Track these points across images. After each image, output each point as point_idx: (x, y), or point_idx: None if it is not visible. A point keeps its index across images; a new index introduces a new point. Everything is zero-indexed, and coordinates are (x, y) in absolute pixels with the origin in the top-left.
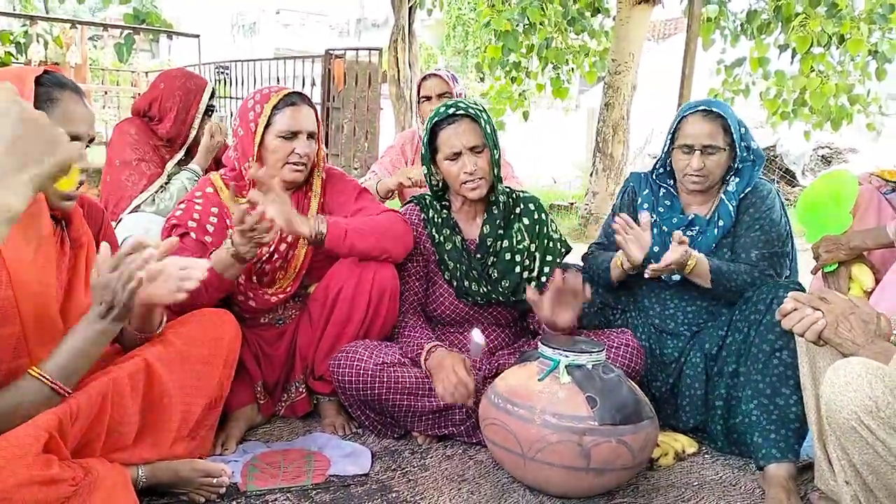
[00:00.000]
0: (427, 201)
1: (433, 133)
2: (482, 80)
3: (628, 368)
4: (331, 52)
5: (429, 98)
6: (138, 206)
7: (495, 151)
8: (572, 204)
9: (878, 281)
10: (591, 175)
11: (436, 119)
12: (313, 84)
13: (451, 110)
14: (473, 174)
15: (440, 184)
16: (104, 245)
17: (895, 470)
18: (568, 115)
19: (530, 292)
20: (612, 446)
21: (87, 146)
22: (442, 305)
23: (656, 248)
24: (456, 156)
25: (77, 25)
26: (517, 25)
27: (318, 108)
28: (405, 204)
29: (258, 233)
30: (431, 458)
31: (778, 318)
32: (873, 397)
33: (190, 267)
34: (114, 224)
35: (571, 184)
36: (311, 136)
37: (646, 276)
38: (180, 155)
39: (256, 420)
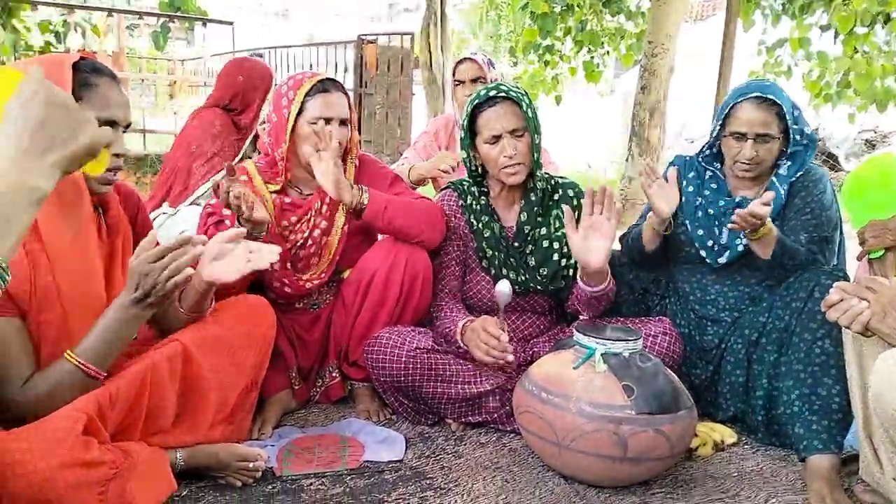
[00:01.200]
0: (465, 187)
1: (473, 116)
2: (515, 64)
3: (666, 357)
4: (363, 37)
5: (462, 82)
6: (197, 198)
7: (536, 136)
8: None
9: None
10: (626, 160)
11: (476, 101)
12: (346, 70)
13: (493, 93)
14: (513, 158)
15: (479, 168)
16: (152, 232)
17: None
18: (603, 99)
19: (566, 211)
20: (650, 436)
21: (124, 131)
22: (479, 293)
23: (700, 232)
24: (496, 139)
25: (114, 14)
26: (554, 7)
27: (351, 94)
28: (442, 190)
29: (244, 202)
30: (465, 445)
31: (823, 309)
32: None
33: (260, 250)
34: (172, 212)
35: (606, 169)
36: (343, 122)
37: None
38: (247, 144)
39: (291, 405)
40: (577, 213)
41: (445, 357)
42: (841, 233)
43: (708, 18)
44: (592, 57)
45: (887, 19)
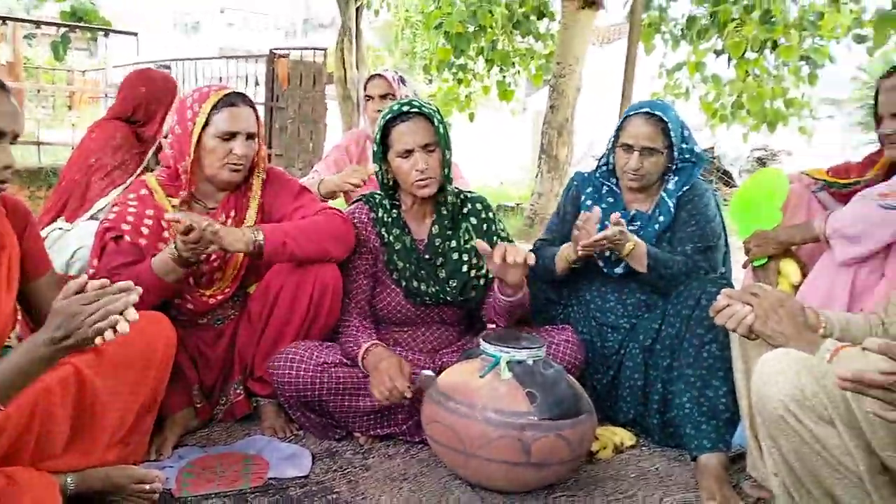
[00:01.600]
0: (376, 200)
1: (386, 130)
2: (430, 82)
3: (569, 363)
4: (275, 51)
5: (372, 98)
6: (96, 212)
7: (447, 152)
8: (518, 205)
9: (805, 275)
10: (536, 176)
11: (389, 116)
12: (257, 83)
13: (406, 108)
14: (424, 172)
15: (391, 182)
16: (83, 276)
17: (820, 457)
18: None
19: (480, 245)
20: (552, 440)
21: (12, 142)
22: (389, 305)
23: (579, 252)
24: (408, 153)
25: (8, 22)
26: (468, 27)
27: (262, 108)
28: (354, 202)
29: (203, 244)
30: (373, 457)
31: (711, 315)
32: (800, 387)
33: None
34: (68, 227)
35: (518, 185)
36: (250, 136)
37: (577, 253)
38: (149, 156)
39: (193, 424)
40: (484, 226)
41: (353, 370)
42: (727, 243)
43: (614, 42)
44: (504, 76)
45: (775, 45)
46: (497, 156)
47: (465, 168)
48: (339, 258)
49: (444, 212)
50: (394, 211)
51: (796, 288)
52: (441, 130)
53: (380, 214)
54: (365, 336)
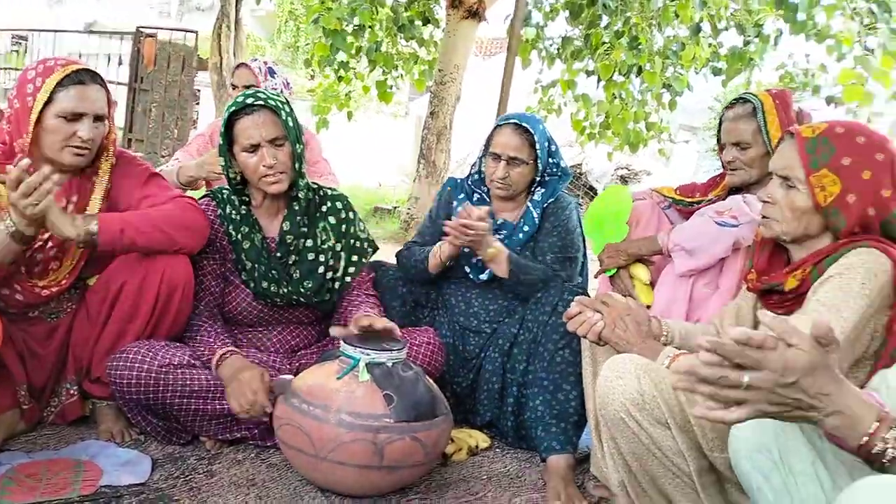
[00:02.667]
0: (224, 196)
1: (230, 123)
2: (312, 77)
3: (429, 366)
4: (142, 30)
5: (236, 87)
6: None
7: (297, 145)
8: (395, 208)
9: (653, 283)
10: (414, 181)
11: (233, 108)
12: (121, 63)
13: (250, 100)
14: (273, 168)
15: (238, 177)
16: None
17: (655, 458)
18: (397, 120)
19: (335, 331)
20: (406, 443)
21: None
22: (240, 306)
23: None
24: (254, 147)
25: None
26: (346, 25)
27: (125, 88)
28: (202, 197)
29: (37, 196)
30: (220, 463)
31: (565, 321)
32: (640, 391)
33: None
34: None
35: (396, 188)
36: (98, 118)
37: (437, 247)
38: None
39: (18, 427)
40: (343, 227)
41: (201, 372)
42: (585, 254)
43: (496, 55)
44: (386, 78)
45: (640, 71)
46: (379, 158)
47: (342, 167)
48: (190, 250)
49: (297, 208)
50: (243, 207)
51: (650, 286)
52: (290, 123)
53: (227, 211)
54: (219, 341)
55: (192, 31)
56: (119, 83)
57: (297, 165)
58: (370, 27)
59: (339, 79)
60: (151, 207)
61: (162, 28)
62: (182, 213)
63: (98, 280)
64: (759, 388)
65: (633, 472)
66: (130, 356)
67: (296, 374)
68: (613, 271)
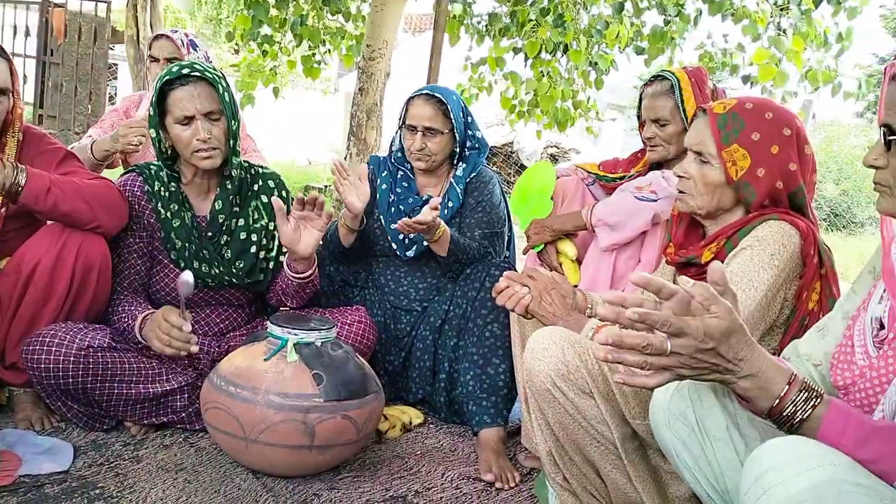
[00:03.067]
0: (152, 172)
1: (163, 93)
2: (236, 52)
3: (360, 344)
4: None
5: (157, 60)
6: None
7: (234, 121)
8: (327, 186)
9: (580, 260)
10: (345, 158)
11: (167, 78)
12: (28, 34)
13: (186, 70)
14: (208, 142)
15: (169, 151)
16: None
17: (581, 427)
18: (327, 96)
19: (276, 202)
20: (337, 422)
21: None
22: (168, 286)
23: (393, 227)
24: (188, 120)
25: None
26: None
27: (33, 62)
28: (125, 173)
29: None
30: (146, 448)
31: (494, 295)
32: (565, 362)
33: None
34: None
35: (327, 166)
36: (2, 92)
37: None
38: None
39: None
40: None
41: (124, 355)
42: (510, 229)
43: (426, 31)
44: (314, 53)
45: (566, 49)
46: (309, 135)
47: (270, 144)
48: (108, 231)
49: (230, 186)
50: (172, 184)
51: (577, 262)
52: (227, 98)
53: (156, 188)
54: (140, 307)
55: (104, 1)
56: (28, 56)
57: (231, 142)
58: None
59: (264, 53)
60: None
61: None
62: (106, 192)
63: (9, 262)
64: (679, 353)
65: (559, 442)
66: (47, 339)
67: (225, 354)
68: (541, 247)
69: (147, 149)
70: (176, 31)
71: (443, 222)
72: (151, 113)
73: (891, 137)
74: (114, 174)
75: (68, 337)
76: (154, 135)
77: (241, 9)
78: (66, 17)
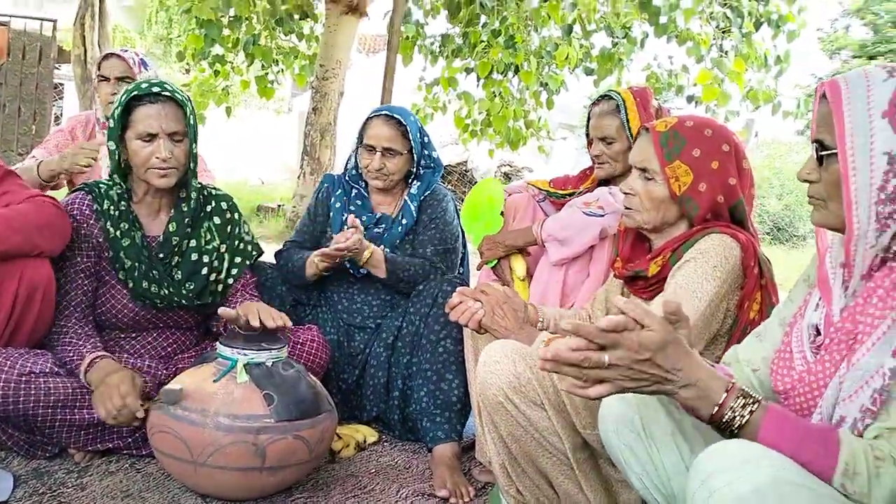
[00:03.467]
0: (101, 191)
1: (129, 108)
2: (187, 71)
3: (313, 364)
4: None
5: (107, 79)
6: None
7: (194, 144)
8: (281, 206)
9: (532, 275)
10: (299, 178)
11: (135, 93)
12: None
13: (156, 89)
14: (167, 162)
15: (123, 165)
16: None
17: (533, 439)
18: (280, 116)
19: (224, 312)
20: (289, 442)
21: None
22: (115, 308)
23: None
24: (151, 137)
25: None
26: (222, 16)
27: None
28: (72, 192)
29: None
30: (91, 475)
31: (447, 311)
32: (516, 374)
33: None
34: None
35: (281, 186)
36: None
37: (315, 258)
38: None
39: None
40: (228, 227)
41: (67, 380)
42: (464, 245)
43: (380, 52)
44: (267, 73)
45: (517, 70)
46: (262, 155)
47: (223, 166)
48: (50, 252)
49: (185, 209)
50: (122, 203)
51: (527, 279)
52: (192, 121)
53: (105, 206)
54: (88, 345)
55: (49, 20)
56: None
57: (191, 164)
58: (247, 19)
59: (216, 73)
60: (6, 207)
61: (15, 16)
62: (43, 212)
63: None
64: (617, 365)
65: (512, 454)
66: None
67: (171, 380)
68: (494, 262)
69: (94, 171)
70: (126, 51)
71: (371, 245)
72: (112, 126)
73: (822, 153)
74: (58, 195)
75: (9, 363)
76: (113, 147)
77: (192, 28)
78: (10, 35)
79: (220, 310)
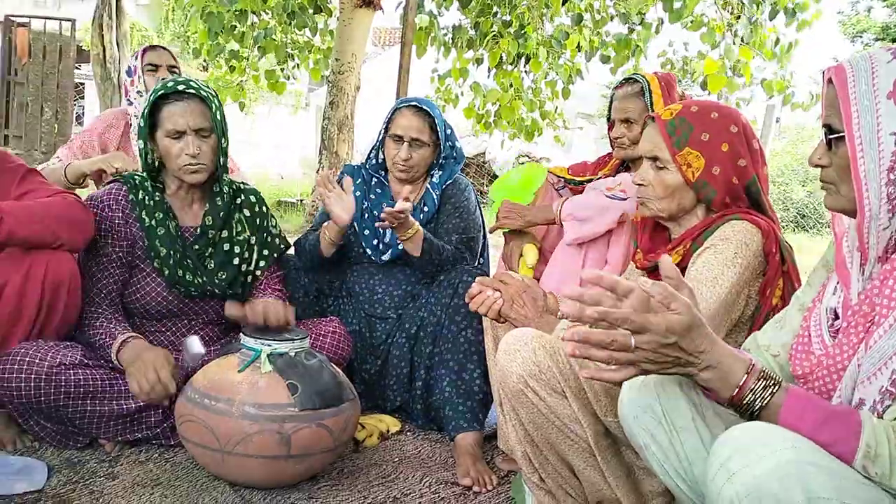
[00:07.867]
0: (136, 182)
1: (156, 106)
2: (205, 68)
3: (335, 354)
4: (12, 18)
5: (155, 69)
6: None
7: (223, 139)
8: (301, 200)
9: (546, 261)
10: (317, 172)
11: (162, 92)
12: None
13: (181, 87)
14: (196, 158)
15: (155, 162)
16: None
17: (554, 426)
18: (297, 112)
19: (231, 309)
20: (313, 431)
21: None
22: (148, 296)
23: (367, 232)
24: (179, 135)
25: None
26: (227, 11)
27: None
28: (108, 183)
29: None
30: (122, 465)
31: (467, 301)
32: (536, 362)
33: None
34: None
35: (300, 181)
36: None
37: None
38: None
39: None
40: (257, 220)
41: (97, 372)
42: (485, 236)
43: (395, 45)
44: (283, 68)
45: (528, 60)
46: (281, 151)
47: (241, 159)
48: (73, 247)
49: (220, 202)
50: (157, 194)
51: (534, 269)
52: (218, 117)
53: (140, 197)
54: (120, 327)
55: (68, 20)
56: None
57: (220, 160)
58: (254, 13)
59: (231, 69)
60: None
61: (35, 17)
62: (67, 208)
63: None
64: (643, 349)
65: (534, 442)
66: (17, 359)
67: (196, 372)
68: (507, 231)
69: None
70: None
71: (416, 221)
72: (141, 125)
73: (831, 136)
74: (83, 194)
75: (39, 355)
76: (143, 145)
77: (198, 23)
78: (30, 36)
79: (227, 305)
